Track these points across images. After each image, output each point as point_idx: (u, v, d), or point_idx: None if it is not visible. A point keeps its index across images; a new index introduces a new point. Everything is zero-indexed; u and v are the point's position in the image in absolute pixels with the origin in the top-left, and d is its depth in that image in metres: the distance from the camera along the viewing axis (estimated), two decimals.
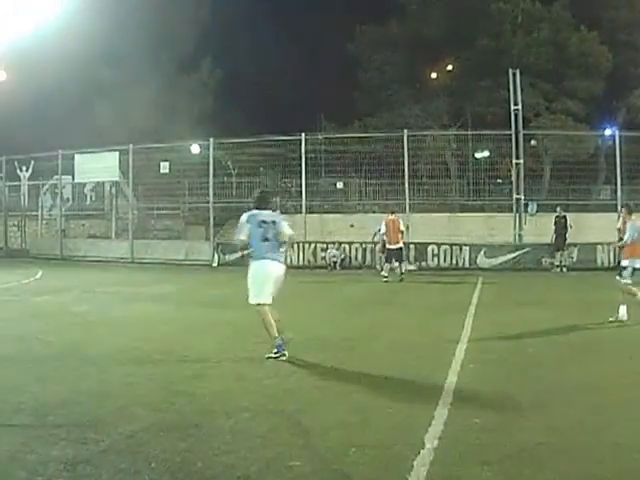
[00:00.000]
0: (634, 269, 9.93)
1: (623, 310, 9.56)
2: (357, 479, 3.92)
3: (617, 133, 22.42)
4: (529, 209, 21.29)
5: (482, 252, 19.86)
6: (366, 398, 5.74)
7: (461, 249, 20.00)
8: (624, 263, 9.97)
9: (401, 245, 16.60)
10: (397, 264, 16.54)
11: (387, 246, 16.53)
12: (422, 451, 4.39)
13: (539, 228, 20.46)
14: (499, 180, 23.31)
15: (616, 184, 21.12)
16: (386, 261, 16.66)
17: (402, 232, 16.68)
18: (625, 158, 21.29)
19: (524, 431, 4.90)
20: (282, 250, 7.43)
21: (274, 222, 7.08)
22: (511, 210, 20.81)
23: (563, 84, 30.05)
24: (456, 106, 31.21)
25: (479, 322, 10.06)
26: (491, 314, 11.18)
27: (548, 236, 19.66)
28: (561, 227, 19.47)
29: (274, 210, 7.46)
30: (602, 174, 25.70)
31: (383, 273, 16.35)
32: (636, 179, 22.68)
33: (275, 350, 6.86)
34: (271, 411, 5.24)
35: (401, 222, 16.80)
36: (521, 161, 20.82)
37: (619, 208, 19.26)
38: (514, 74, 21.42)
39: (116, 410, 5.16)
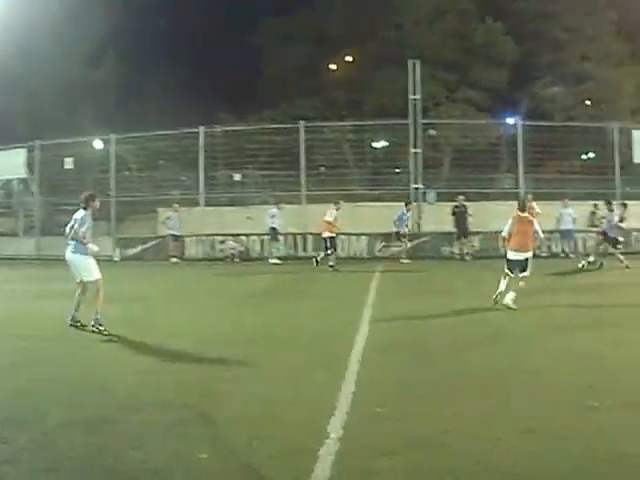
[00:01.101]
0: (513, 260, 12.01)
1: (509, 296, 11.07)
2: (263, 470, 4.35)
3: (520, 122, 24.88)
4: (428, 198, 23.31)
5: (379, 241, 21.87)
6: (269, 389, 6.32)
7: (359, 238, 22.05)
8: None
9: (329, 235, 18.66)
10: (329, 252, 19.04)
11: (328, 234, 18.87)
12: (327, 441, 4.84)
13: (438, 217, 22.44)
14: (397, 169, 25.63)
15: (519, 172, 23.61)
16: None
17: (328, 222, 18.66)
18: (527, 147, 23.67)
19: (429, 419, 5.46)
20: (75, 242, 9.52)
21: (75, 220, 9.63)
22: (410, 199, 22.56)
23: (466, 74, 33.13)
24: (355, 97, 33.62)
25: (379, 311, 11.12)
26: (391, 303, 12.41)
27: (448, 224, 21.88)
28: (461, 216, 21.50)
29: (85, 209, 9.60)
30: (504, 163, 28.30)
31: (330, 263, 18.53)
32: (538, 167, 25.55)
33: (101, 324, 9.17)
34: (177, 405, 5.81)
35: (329, 212, 18.72)
36: (419, 150, 23.05)
37: (522, 196, 22.21)
38: (414, 64, 23.62)
39: (30, 409, 5.68)
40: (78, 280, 9.48)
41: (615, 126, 25.17)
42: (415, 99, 23.33)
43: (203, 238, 23.11)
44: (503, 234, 11.85)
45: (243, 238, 22.59)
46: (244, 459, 4.54)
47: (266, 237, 22.07)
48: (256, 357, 7.63)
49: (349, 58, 35.52)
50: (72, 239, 9.52)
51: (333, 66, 35.87)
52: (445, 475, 4.33)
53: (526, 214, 12.10)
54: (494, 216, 21.69)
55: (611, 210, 18.31)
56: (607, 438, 4.92)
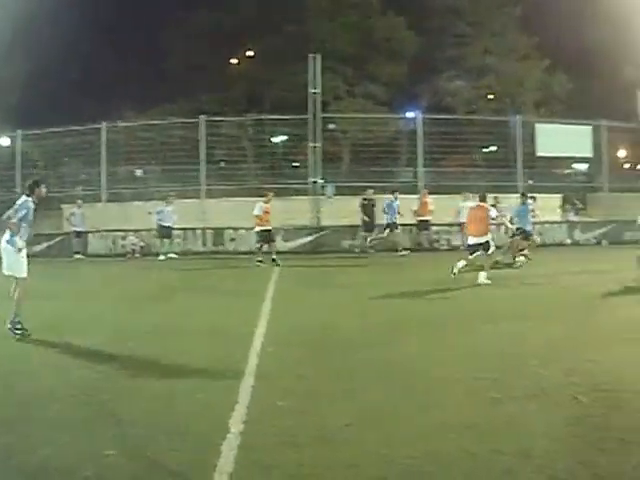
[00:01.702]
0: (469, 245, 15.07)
1: (482, 277, 14.07)
2: (169, 465, 4.65)
3: (419, 116, 27.00)
4: (327, 192, 25.28)
5: (280, 235, 22.97)
6: (171, 385, 6.74)
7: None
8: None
9: (260, 228, 19.37)
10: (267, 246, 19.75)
11: (260, 228, 19.63)
12: (228, 435, 5.18)
13: (338, 210, 24.08)
14: (296, 164, 27.76)
15: (417, 166, 25.59)
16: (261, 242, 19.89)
17: (255, 216, 19.39)
18: (428, 140, 25.52)
19: (331, 413, 5.80)
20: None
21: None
22: (308, 193, 24.54)
23: (367, 68, 35.58)
24: (256, 91, 35.73)
25: (278, 305, 11.89)
26: (290, 297, 13.24)
27: (347, 218, 23.54)
28: (370, 209, 22.90)
29: (28, 196, 9.40)
30: (404, 157, 30.07)
31: (257, 258, 19.17)
32: (439, 161, 27.34)
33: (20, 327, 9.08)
34: (83, 402, 6.16)
35: (257, 205, 19.50)
36: (319, 144, 24.85)
37: (420, 189, 24.40)
38: (314, 58, 25.38)
39: None
40: (7, 273, 9.25)
41: (518, 119, 27.51)
42: (315, 93, 24.92)
43: (105, 234, 24.15)
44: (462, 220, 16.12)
45: (144, 233, 23.63)
46: (150, 454, 4.85)
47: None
48: (158, 352, 8.14)
49: (250, 53, 37.47)
50: (6, 227, 9.47)
51: (234, 61, 37.79)
52: (349, 468, 4.66)
53: (483, 204, 14.82)
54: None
55: (523, 203, 19.38)
56: (512, 430, 5.31)
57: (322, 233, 23.94)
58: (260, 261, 19.08)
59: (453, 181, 27.01)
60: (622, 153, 42.00)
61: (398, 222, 22.87)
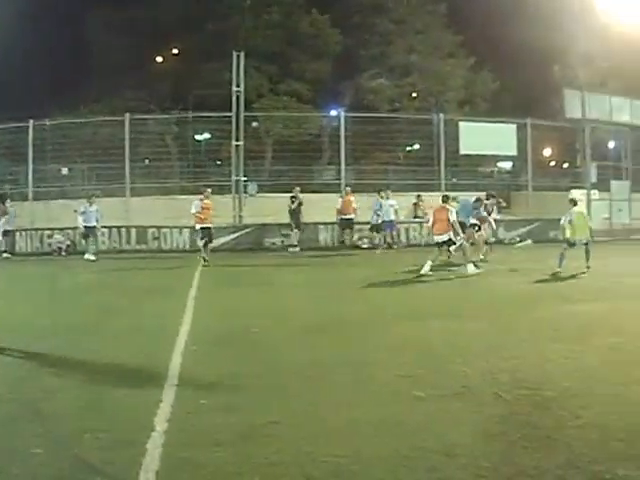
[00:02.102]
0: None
1: (471, 268, 17.05)
2: (95, 463, 5.03)
3: (342, 114, 29.22)
4: (249, 190, 27.48)
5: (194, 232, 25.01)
6: (95, 383, 7.32)
7: (181, 231, 25.44)
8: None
9: (201, 226, 20.75)
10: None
11: (200, 225, 20.95)
12: (153, 434, 5.58)
13: (260, 208, 26.39)
14: (219, 162, 29.95)
15: (340, 164, 27.97)
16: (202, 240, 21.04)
17: (193, 214, 20.85)
18: (350, 139, 27.83)
19: (255, 411, 6.29)
20: None
21: None
22: (231, 191, 26.64)
23: (291, 66, 38.01)
24: (180, 89, 37.63)
25: (202, 304, 12.88)
26: (213, 295, 14.43)
27: (270, 216, 25.79)
28: (297, 207, 25.22)
29: None
30: (327, 154, 33.06)
31: (203, 256, 20.46)
32: (361, 159, 30.02)
33: None
34: (9, 399, 6.63)
35: (194, 203, 20.87)
36: (241, 143, 27.09)
37: (343, 188, 26.71)
38: (238, 56, 27.47)
39: None
40: None
41: (441, 117, 30.09)
42: (238, 91, 27.11)
43: (32, 232, 25.70)
44: (428, 224, 18.51)
45: (70, 232, 25.18)
46: (77, 452, 5.26)
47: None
48: (82, 351, 8.79)
49: (175, 50, 39.67)
50: None
51: (160, 58, 39.86)
52: (274, 466, 5.06)
53: (444, 205, 17.74)
54: (315, 208, 25.94)
55: (487, 200, 21.51)
56: (436, 428, 5.85)
57: (245, 231, 25.93)
58: (205, 260, 20.15)
59: (375, 179, 29.10)
60: (548, 151, 45.09)
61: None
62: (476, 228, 20.69)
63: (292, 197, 25.50)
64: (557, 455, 5.32)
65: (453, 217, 17.56)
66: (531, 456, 5.27)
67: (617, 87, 37.32)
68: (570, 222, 18.17)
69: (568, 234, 18.09)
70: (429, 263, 17.08)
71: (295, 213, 25.47)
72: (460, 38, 43.27)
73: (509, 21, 41.28)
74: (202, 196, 21.04)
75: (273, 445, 5.46)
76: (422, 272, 16.75)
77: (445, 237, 17.61)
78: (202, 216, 20.73)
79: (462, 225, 19.49)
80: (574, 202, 19.42)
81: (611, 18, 39.42)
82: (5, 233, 24.72)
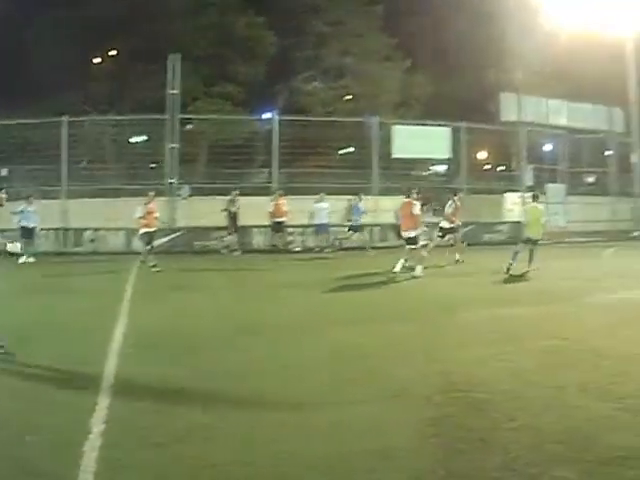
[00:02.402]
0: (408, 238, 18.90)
1: (419, 270, 18.77)
2: (34, 466, 5.46)
3: (276, 117, 31.37)
4: (182, 193, 29.12)
5: (137, 236, 25.45)
6: (32, 386, 7.79)
7: (117, 234, 27.29)
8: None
9: (145, 230, 21.93)
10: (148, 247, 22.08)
11: (144, 230, 22.06)
12: (90, 436, 6.00)
13: (194, 211, 28.10)
14: (153, 164, 31.48)
15: (273, 167, 29.83)
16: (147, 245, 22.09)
17: (137, 218, 22.02)
18: (283, 142, 29.80)
19: (190, 413, 6.84)
20: None
21: None
22: (165, 194, 28.16)
23: (225, 68, 39.91)
24: (118, 91, 39.24)
25: (137, 306, 13.70)
26: (148, 298, 15.19)
27: (203, 219, 27.47)
28: (237, 210, 27.10)
29: None
30: (260, 158, 34.64)
31: (150, 263, 21.38)
32: (294, 162, 31.55)
33: None
34: None
35: (139, 208, 21.99)
36: (176, 145, 29.06)
37: (275, 191, 28.56)
38: (174, 58, 29.40)
39: None
40: None
41: (374, 121, 32.32)
42: (174, 94, 29.08)
43: None
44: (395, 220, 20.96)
45: (8, 233, 24.75)
46: (16, 455, 5.65)
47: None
48: (19, 354, 9.08)
49: (113, 52, 41.21)
50: None
51: (98, 60, 41.45)
52: (210, 467, 5.49)
53: (409, 200, 19.09)
54: (249, 211, 27.65)
55: (449, 201, 23.62)
56: (372, 431, 6.43)
57: (178, 234, 27.65)
58: (154, 265, 21.00)
59: (309, 183, 31.05)
60: (483, 155, 47.69)
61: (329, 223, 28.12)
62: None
63: (231, 200, 27.30)
64: (493, 457, 5.80)
65: (416, 211, 18.74)
66: (467, 458, 5.78)
67: (555, 90, 40.23)
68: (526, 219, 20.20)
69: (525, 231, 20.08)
70: (401, 262, 18.46)
71: (234, 217, 27.32)
72: (396, 41, 45.52)
73: (446, 24, 44.20)
74: (146, 199, 22.17)
75: (209, 447, 6.03)
76: (394, 271, 18.31)
77: (412, 233, 18.82)
78: (146, 220, 21.83)
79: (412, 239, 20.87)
80: (535, 197, 21.18)
81: (549, 21, 41.88)
82: None
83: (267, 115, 34.93)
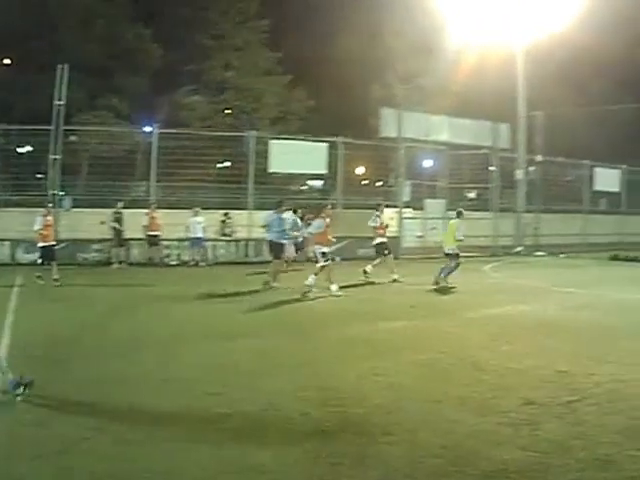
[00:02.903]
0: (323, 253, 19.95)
1: (334, 287, 19.90)
2: None
3: (155, 130, 33.61)
4: (64, 205, 31.26)
5: (21, 248, 28.53)
6: None
7: (2, 244, 29.15)
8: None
9: (42, 244, 23.02)
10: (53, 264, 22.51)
11: (42, 244, 22.84)
12: None
13: (75, 223, 29.96)
14: (39, 175, 33.97)
15: (151, 180, 32.29)
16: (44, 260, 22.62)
17: (36, 232, 22.98)
18: (162, 155, 32.37)
19: (72, 425, 7.66)
20: None
21: None
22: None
23: (111, 80, 43.70)
24: (8, 101, 41.76)
25: (21, 319, 14.55)
26: (32, 310, 16.27)
27: (85, 232, 29.54)
28: (120, 223, 29.29)
29: None
30: (140, 170, 37.40)
31: (37, 273, 22.38)
32: (172, 176, 34.18)
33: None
34: None
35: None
36: (59, 157, 31.31)
37: (151, 204, 30.62)
38: (62, 69, 31.80)
39: None
40: None
41: (252, 135, 35.30)
42: (60, 105, 31.44)
43: None
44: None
45: None
46: None
47: None
48: None
49: (7, 61, 44.20)
50: None
51: None
52: (92, 475, 6.27)
53: (322, 215, 20.81)
54: (128, 223, 30.36)
55: (377, 215, 25.38)
56: (242, 445, 7.22)
57: (61, 246, 28.01)
58: (39, 277, 22.15)
59: (187, 196, 34.19)
60: (361, 170, 52.46)
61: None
62: (385, 250, 24.53)
63: (115, 212, 29.52)
64: (371, 471, 6.45)
65: (325, 226, 20.26)
66: (344, 473, 6.42)
67: (437, 106, 44.61)
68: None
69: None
70: (312, 277, 19.95)
71: (119, 230, 29.58)
72: (278, 56, 50.67)
73: (329, 39, 49.46)
74: (44, 211, 23.56)
75: (91, 457, 6.65)
76: (306, 283, 19.89)
77: (325, 249, 20.31)
78: (45, 232, 23.08)
79: (278, 246, 22.71)
80: (459, 214, 23.60)
81: (432, 38, 47.69)
82: None
83: (147, 128, 37.67)
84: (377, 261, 25.19)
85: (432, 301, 19.68)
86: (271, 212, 23.53)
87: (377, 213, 25.77)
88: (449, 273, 22.61)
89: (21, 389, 8.70)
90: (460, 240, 23.08)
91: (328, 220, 21.44)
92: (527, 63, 43.57)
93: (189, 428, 7.95)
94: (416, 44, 52.96)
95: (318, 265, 20.94)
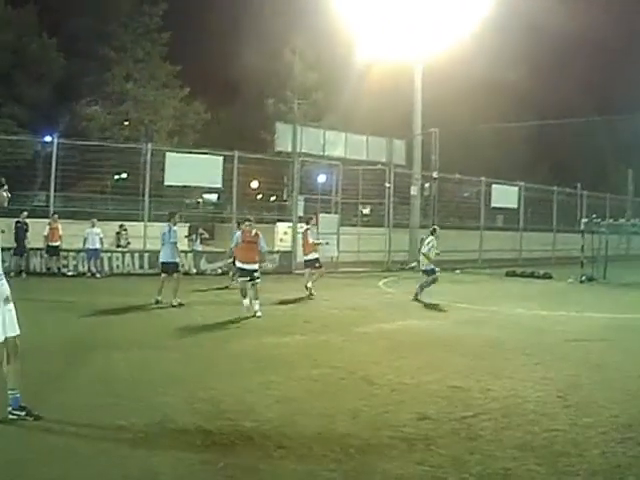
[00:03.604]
0: (242, 270, 19.80)
1: (250, 305, 19.33)
2: None
3: (55, 140, 34.94)
4: None
5: None
6: None
7: None
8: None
9: None
10: None
11: None
12: None
13: None
14: None
15: (51, 190, 33.44)
16: None
17: None
18: (62, 165, 33.39)
19: None
20: None
21: None
22: None
23: (15, 89, 46.21)
24: None
25: None
26: None
27: None
28: (22, 232, 30.11)
29: None
30: (40, 180, 39.86)
31: None
32: (71, 186, 36.11)
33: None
34: None
35: None
36: None
37: (51, 215, 32.19)
38: None
39: None
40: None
41: (148, 147, 36.32)
42: None
43: None
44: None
45: None
46: None
47: None
48: None
49: None
50: None
51: None
52: None
53: (256, 231, 20.21)
54: (29, 233, 31.03)
55: (308, 227, 26.49)
56: (138, 455, 7.74)
57: None
58: None
59: (85, 207, 35.84)
60: (256, 184, 55.56)
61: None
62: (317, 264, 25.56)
63: (18, 222, 30.39)
64: None
65: (265, 248, 20.78)
66: None
67: (333, 121, 48.04)
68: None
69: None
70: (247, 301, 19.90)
71: (21, 239, 30.41)
72: (177, 68, 54.01)
73: (228, 54, 53.14)
74: None
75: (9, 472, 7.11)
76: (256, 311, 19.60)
77: (255, 266, 20.07)
78: None
79: (173, 265, 23.00)
80: (433, 231, 25.31)
81: (330, 55, 51.76)
82: None
83: (48, 137, 39.73)
84: (315, 276, 26.43)
85: (326, 316, 20.45)
86: (165, 224, 24.20)
87: (308, 227, 27.36)
88: (426, 286, 24.69)
89: (23, 413, 9.08)
90: (427, 255, 25.06)
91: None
92: (425, 80, 46.07)
93: (86, 439, 8.52)
94: (314, 60, 57.63)
95: (234, 283, 23.52)
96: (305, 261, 26.68)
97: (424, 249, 25.05)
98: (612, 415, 10.09)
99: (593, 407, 10.57)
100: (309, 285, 25.07)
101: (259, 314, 19.37)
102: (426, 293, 24.71)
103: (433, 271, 24.69)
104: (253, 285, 20.13)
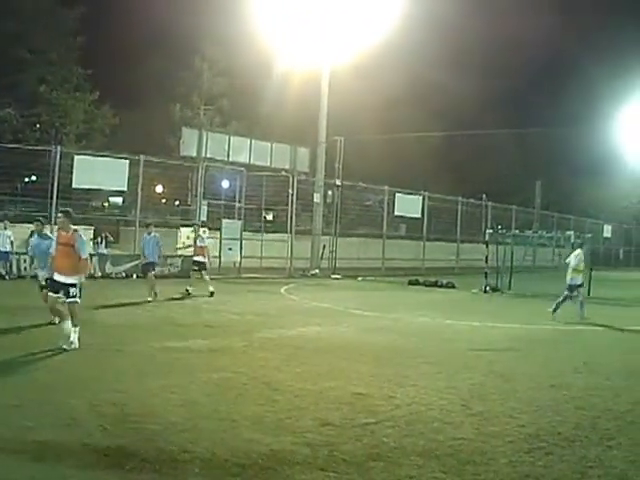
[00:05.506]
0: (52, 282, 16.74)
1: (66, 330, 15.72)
2: None
3: None
4: None
5: None
6: None
7: None
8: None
9: None
10: None
11: None
12: None
13: None
14: None
15: None
16: None
17: None
18: None
19: None
20: None
21: None
22: None
23: None
24: None
25: None
26: None
27: None
28: None
29: None
30: None
31: None
32: None
33: None
34: None
35: None
36: None
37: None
38: None
39: None
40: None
41: (57, 150, 38.22)
42: None
43: None
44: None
45: None
46: None
47: None
48: None
49: None
50: None
51: None
52: None
53: (71, 233, 16.29)
54: None
55: (201, 234, 28.41)
56: (46, 458, 8.08)
57: None
58: None
59: None
60: (161, 188, 59.23)
61: None
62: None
63: None
64: None
65: (85, 254, 16.25)
66: None
67: (239, 128, 51.51)
68: None
69: None
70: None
71: None
72: (89, 72, 57.26)
73: (137, 58, 57.37)
74: None
75: None
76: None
77: (71, 279, 15.91)
78: None
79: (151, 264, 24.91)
80: (581, 245, 25.36)
81: (239, 62, 55.10)
82: None
83: None
84: (207, 277, 28.87)
85: (228, 321, 21.25)
86: (145, 235, 26.96)
87: (201, 233, 29.89)
88: (583, 303, 25.01)
89: None
90: (576, 268, 25.40)
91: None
92: (332, 89, 48.50)
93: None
94: (224, 67, 61.81)
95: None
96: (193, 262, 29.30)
97: (573, 262, 24.99)
98: (519, 425, 10.63)
99: (499, 417, 11.08)
100: (211, 289, 27.82)
101: (74, 345, 15.76)
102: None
103: (582, 285, 25.08)
104: (68, 304, 16.16)
